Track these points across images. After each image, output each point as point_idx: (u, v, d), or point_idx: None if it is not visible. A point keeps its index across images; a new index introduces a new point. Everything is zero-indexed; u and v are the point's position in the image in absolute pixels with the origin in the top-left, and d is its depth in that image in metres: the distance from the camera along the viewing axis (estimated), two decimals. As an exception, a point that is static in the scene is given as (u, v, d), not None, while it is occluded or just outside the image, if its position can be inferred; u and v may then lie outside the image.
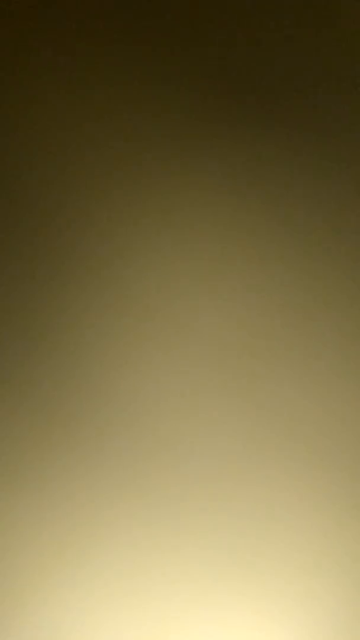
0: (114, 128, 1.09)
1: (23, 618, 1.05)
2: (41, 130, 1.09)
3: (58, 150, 1.09)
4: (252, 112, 1.09)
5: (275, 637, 1.05)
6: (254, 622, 1.06)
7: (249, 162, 1.09)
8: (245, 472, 1.07)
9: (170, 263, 1.08)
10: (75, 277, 1.08)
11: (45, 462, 1.06)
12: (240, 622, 1.06)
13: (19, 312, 1.08)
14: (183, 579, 1.06)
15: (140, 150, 1.09)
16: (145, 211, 1.09)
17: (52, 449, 1.07)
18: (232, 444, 1.07)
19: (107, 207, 1.09)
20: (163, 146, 1.09)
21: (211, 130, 1.09)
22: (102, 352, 1.08)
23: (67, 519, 1.06)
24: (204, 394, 1.07)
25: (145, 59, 1.10)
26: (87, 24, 1.10)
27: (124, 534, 1.06)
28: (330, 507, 1.07)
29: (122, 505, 1.06)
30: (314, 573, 1.06)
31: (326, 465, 1.07)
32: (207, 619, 1.06)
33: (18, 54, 1.10)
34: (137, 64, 1.10)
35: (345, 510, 1.07)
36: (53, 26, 1.10)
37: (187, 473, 1.07)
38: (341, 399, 1.07)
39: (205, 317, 1.08)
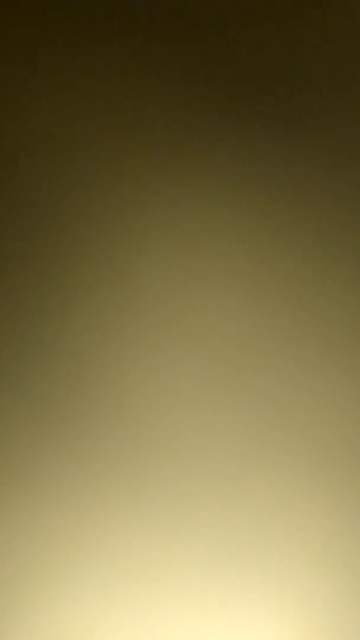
0: (113, 126, 1.09)
1: (22, 618, 1.05)
2: (41, 129, 1.09)
3: (58, 150, 1.09)
4: (252, 110, 1.09)
5: (276, 635, 1.05)
6: (255, 620, 1.06)
7: (250, 159, 1.09)
8: (245, 470, 1.07)
9: (171, 260, 1.08)
10: (74, 278, 1.08)
11: (45, 459, 1.06)
12: (241, 620, 1.06)
13: (18, 313, 1.08)
14: (183, 577, 1.06)
15: (140, 148, 1.09)
16: (144, 209, 1.09)
17: (52, 446, 1.06)
18: (232, 441, 1.07)
19: (107, 205, 1.09)
20: (163, 144, 1.09)
21: (212, 128, 1.09)
22: (102, 351, 1.08)
23: (66, 517, 1.06)
24: (203, 392, 1.07)
25: (145, 57, 1.10)
26: (88, 21, 1.10)
27: (123, 532, 1.06)
28: (332, 503, 1.07)
29: (122, 503, 1.06)
30: (315, 570, 1.06)
31: (327, 461, 1.07)
32: (207, 617, 1.06)
33: (18, 52, 1.10)
34: (137, 63, 1.10)
35: (347, 506, 1.07)
36: (54, 23, 1.10)
37: (187, 470, 1.07)
38: (342, 394, 1.07)
39: (205, 314, 1.08)
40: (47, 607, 1.06)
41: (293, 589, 1.06)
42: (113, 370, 1.07)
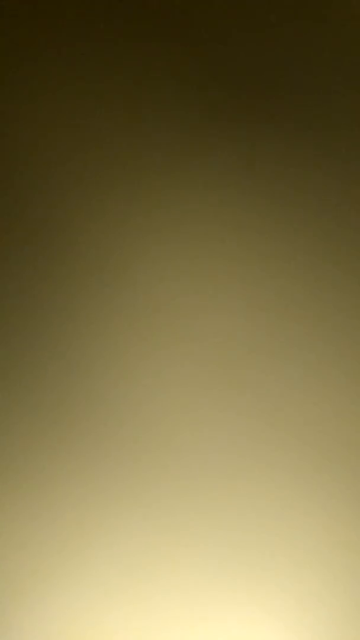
0: (113, 125, 1.09)
1: (22, 618, 1.06)
2: (41, 129, 1.09)
3: (57, 149, 1.09)
4: (252, 109, 1.09)
5: (276, 636, 1.05)
6: (255, 620, 1.06)
7: (251, 160, 1.09)
8: (246, 470, 1.07)
9: (171, 261, 1.08)
10: (73, 278, 1.08)
11: (45, 459, 1.06)
12: (241, 620, 1.06)
13: (17, 313, 1.08)
14: (183, 577, 1.06)
15: (140, 148, 1.09)
16: (144, 209, 1.09)
17: (52, 446, 1.07)
18: (233, 441, 1.07)
19: (106, 206, 1.09)
20: (163, 143, 1.09)
21: (212, 128, 1.09)
22: (102, 351, 1.08)
23: (65, 517, 1.06)
24: (204, 392, 1.07)
25: (145, 57, 1.10)
26: (86, 19, 1.10)
27: (123, 532, 1.06)
28: (332, 504, 1.07)
29: (122, 503, 1.06)
30: (315, 570, 1.06)
31: (328, 462, 1.07)
32: (208, 617, 1.06)
33: (18, 51, 1.10)
34: (137, 63, 1.10)
35: (347, 506, 1.07)
36: (53, 21, 1.10)
37: (188, 470, 1.07)
38: (343, 396, 1.07)
39: (206, 314, 1.08)
40: (47, 607, 1.06)
41: (293, 589, 1.06)
42: (113, 370, 1.07)
